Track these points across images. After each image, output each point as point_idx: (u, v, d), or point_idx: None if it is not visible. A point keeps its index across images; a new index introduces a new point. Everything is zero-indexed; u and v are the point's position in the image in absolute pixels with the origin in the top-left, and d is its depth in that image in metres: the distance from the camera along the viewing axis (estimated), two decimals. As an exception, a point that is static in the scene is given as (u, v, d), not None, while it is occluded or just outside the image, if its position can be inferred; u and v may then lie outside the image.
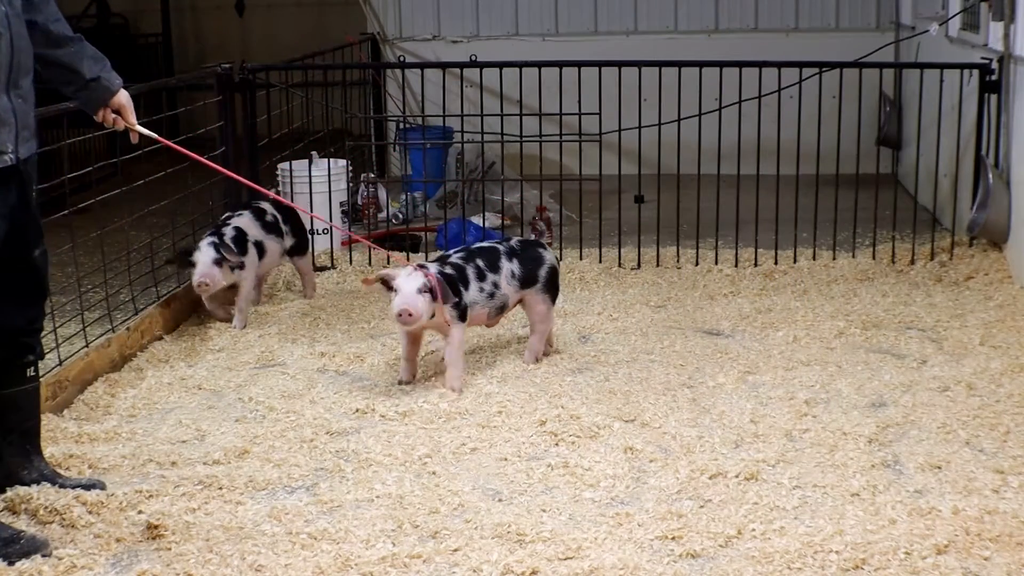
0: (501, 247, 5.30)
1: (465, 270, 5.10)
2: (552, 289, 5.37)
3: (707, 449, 4.36)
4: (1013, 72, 6.51)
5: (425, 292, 4.80)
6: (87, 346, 5.25)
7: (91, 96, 4.06)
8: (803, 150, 6.97)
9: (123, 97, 4.14)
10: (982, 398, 4.80)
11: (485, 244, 5.39)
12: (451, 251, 5.31)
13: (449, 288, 4.89)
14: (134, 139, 4.31)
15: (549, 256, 5.40)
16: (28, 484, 3.96)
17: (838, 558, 3.51)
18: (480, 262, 5.18)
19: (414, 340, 5.14)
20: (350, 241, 7.71)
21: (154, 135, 4.35)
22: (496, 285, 5.18)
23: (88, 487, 4.01)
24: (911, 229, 7.08)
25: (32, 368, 3.97)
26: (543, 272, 5.31)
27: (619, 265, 7.07)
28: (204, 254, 5.82)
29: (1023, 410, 4.64)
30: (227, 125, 6.99)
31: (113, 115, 4.15)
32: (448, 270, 5.02)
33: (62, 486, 3.98)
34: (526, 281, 5.28)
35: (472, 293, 5.08)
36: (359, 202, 8.32)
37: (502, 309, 5.27)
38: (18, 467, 3.98)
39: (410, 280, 4.79)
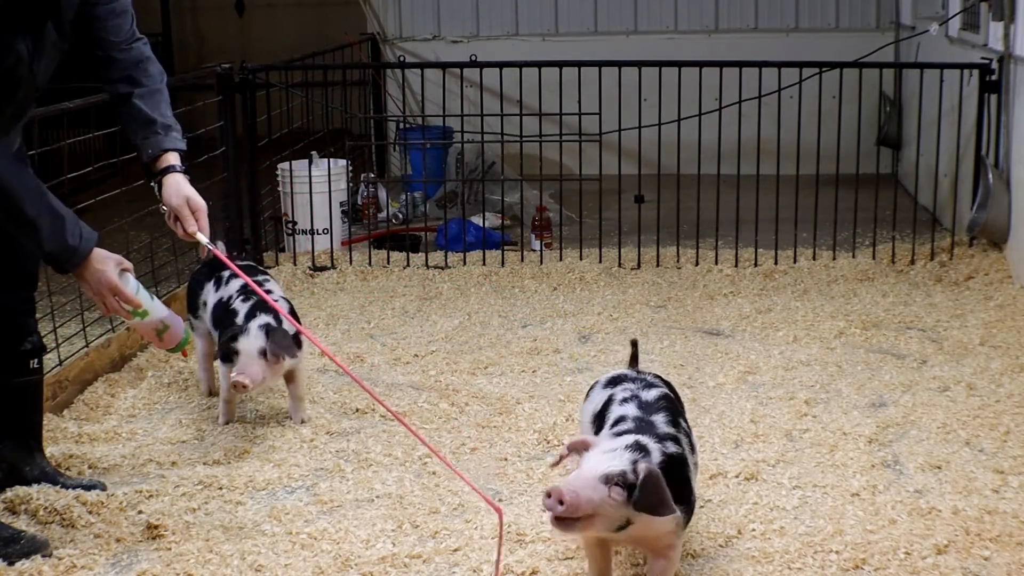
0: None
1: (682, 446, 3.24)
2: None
3: (707, 449, 4.37)
4: (1013, 72, 6.51)
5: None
6: (87, 346, 5.25)
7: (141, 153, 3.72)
8: (803, 150, 6.97)
9: (181, 196, 3.67)
10: (982, 398, 4.80)
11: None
12: (640, 410, 3.34)
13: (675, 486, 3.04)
14: (202, 253, 3.90)
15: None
16: (30, 481, 3.95)
17: (838, 558, 3.51)
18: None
19: (603, 552, 3.29)
20: (350, 241, 7.72)
21: (212, 247, 3.77)
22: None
23: (88, 488, 4.01)
24: (911, 229, 7.08)
25: (35, 360, 3.94)
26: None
27: (619, 265, 7.07)
28: (250, 342, 4.47)
29: (1023, 410, 4.64)
30: (227, 125, 6.99)
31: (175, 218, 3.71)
32: (671, 448, 3.16)
33: (63, 486, 3.98)
34: None
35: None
36: (359, 202, 8.32)
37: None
38: (21, 463, 3.98)
39: (612, 458, 3.00)
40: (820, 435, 4.47)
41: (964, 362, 5.23)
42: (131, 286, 3.52)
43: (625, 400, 3.37)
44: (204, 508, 3.94)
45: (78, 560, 3.57)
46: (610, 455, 2.98)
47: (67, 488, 3.96)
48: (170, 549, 3.66)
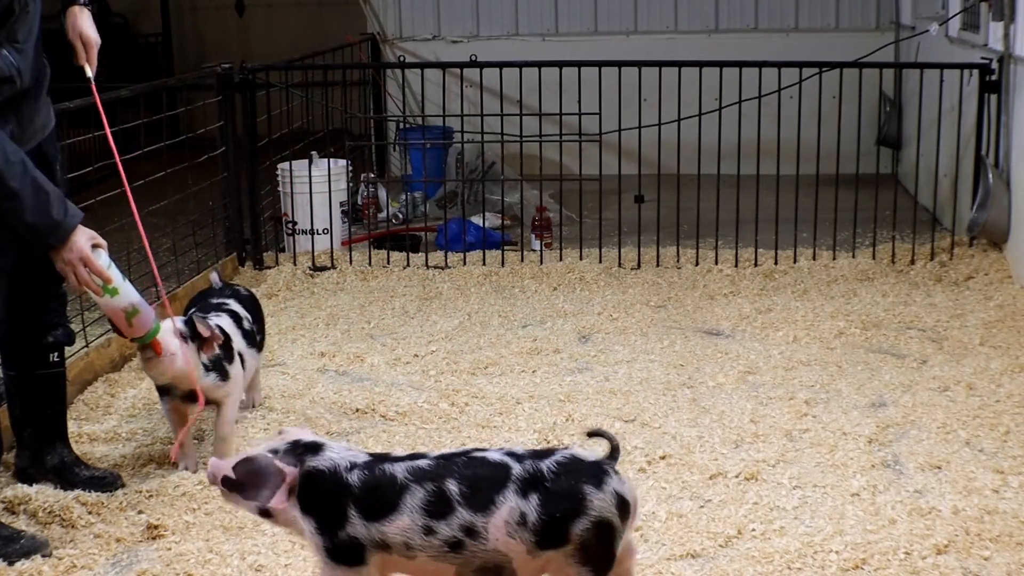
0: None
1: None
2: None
3: (707, 449, 4.36)
4: (1013, 72, 6.51)
5: None
6: (87, 346, 5.25)
7: None
8: (803, 150, 6.97)
9: (76, 31, 3.89)
10: (982, 398, 4.79)
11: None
12: None
13: None
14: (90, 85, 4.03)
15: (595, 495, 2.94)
16: (49, 468, 4.04)
17: (838, 558, 3.51)
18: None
19: None
20: (350, 241, 7.72)
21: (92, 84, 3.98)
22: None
23: (102, 478, 4.07)
24: (911, 229, 7.08)
25: (56, 353, 4.03)
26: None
27: (619, 265, 7.07)
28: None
29: (1023, 410, 4.64)
30: (227, 125, 7.00)
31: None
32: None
33: (79, 475, 4.05)
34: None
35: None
36: (359, 202, 8.32)
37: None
38: (42, 451, 4.07)
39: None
40: (820, 435, 4.47)
41: (964, 362, 5.23)
42: (103, 261, 3.56)
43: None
44: (204, 508, 3.94)
45: (78, 560, 3.58)
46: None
47: (84, 476, 4.04)
48: (170, 549, 3.66)
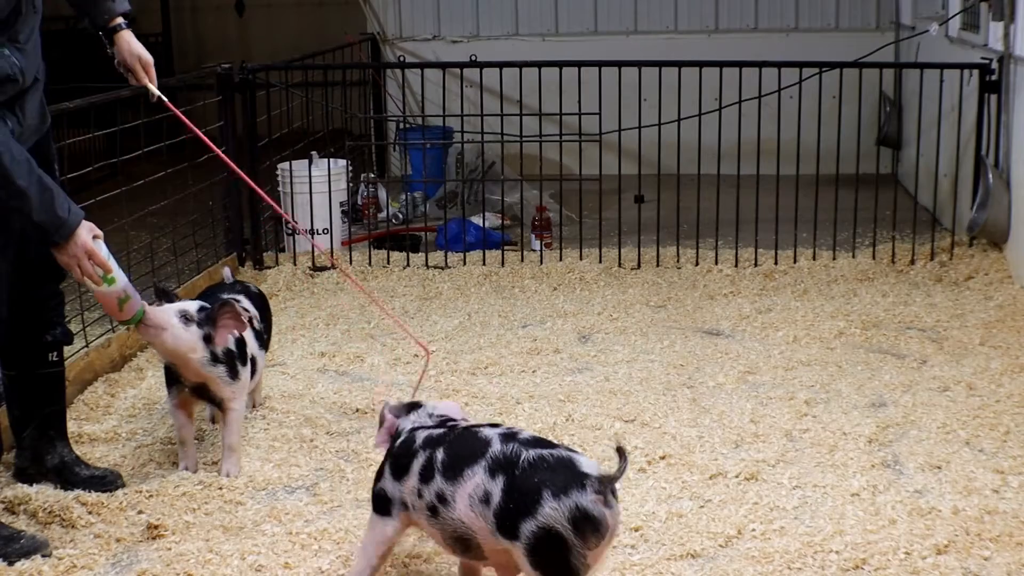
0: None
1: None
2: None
3: (707, 449, 4.36)
4: (1013, 72, 6.51)
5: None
6: (87, 346, 5.26)
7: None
8: (803, 150, 6.97)
9: (133, 54, 4.15)
10: (982, 398, 4.80)
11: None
12: None
13: None
14: (152, 99, 4.32)
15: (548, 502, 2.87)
16: (49, 468, 4.05)
17: (838, 558, 3.51)
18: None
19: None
20: (350, 241, 7.72)
21: (163, 97, 4.32)
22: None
23: (102, 477, 4.08)
24: (911, 229, 7.08)
25: (55, 353, 4.06)
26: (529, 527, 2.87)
27: (619, 265, 7.07)
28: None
29: (1023, 410, 4.65)
30: (227, 125, 6.99)
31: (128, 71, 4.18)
32: None
33: (79, 474, 4.06)
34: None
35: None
36: (359, 202, 8.32)
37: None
38: (42, 450, 4.08)
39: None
40: (820, 435, 4.47)
41: (964, 362, 5.23)
42: (103, 251, 3.65)
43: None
44: (204, 508, 3.94)
45: (78, 560, 3.57)
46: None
47: (84, 476, 4.05)
48: (170, 549, 3.65)
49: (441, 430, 3.19)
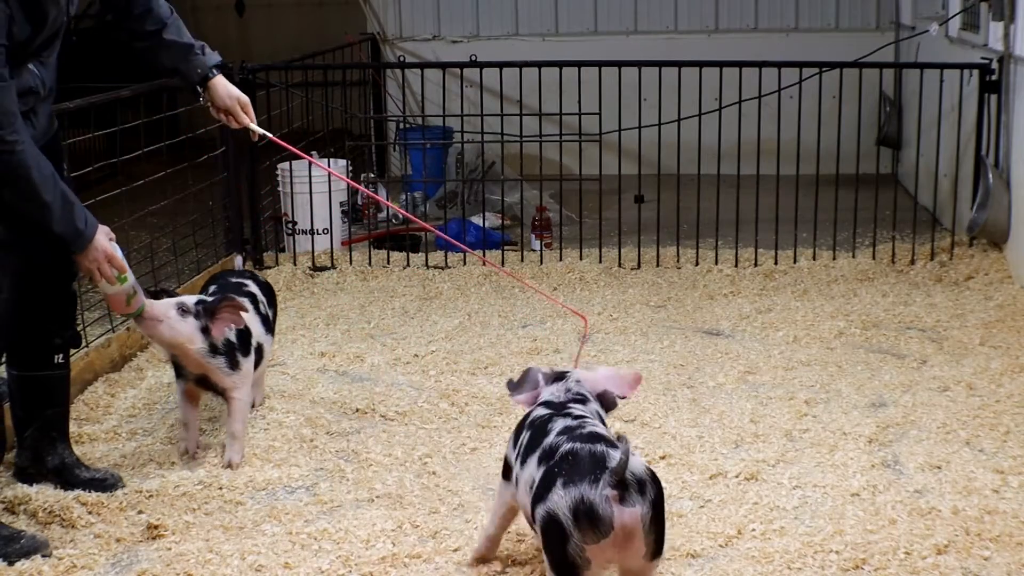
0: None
1: None
2: None
3: (707, 449, 4.37)
4: (1013, 72, 6.51)
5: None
6: (87, 346, 5.25)
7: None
8: (803, 150, 6.97)
9: (232, 97, 4.21)
10: (982, 398, 4.80)
11: None
12: None
13: None
14: (254, 137, 4.41)
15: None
16: (50, 469, 4.06)
17: (838, 558, 3.51)
18: None
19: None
20: (350, 241, 7.72)
21: (267, 133, 4.40)
22: None
23: (102, 479, 4.08)
24: (911, 229, 7.08)
25: (60, 355, 4.08)
26: None
27: (619, 265, 7.07)
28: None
29: (1023, 410, 4.64)
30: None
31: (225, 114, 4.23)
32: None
33: (79, 476, 4.06)
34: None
35: None
36: (359, 202, 8.32)
37: None
38: (43, 451, 4.08)
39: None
40: (820, 435, 4.47)
41: (964, 362, 5.23)
42: (119, 253, 3.83)
43: None
44: (204, 508, 3.94)
45: (78, 560, 3.57)
46: None
47: (84, 478, 4.05)
48: (170, 549, 3.66)
49: (547, 411, 3.26)
